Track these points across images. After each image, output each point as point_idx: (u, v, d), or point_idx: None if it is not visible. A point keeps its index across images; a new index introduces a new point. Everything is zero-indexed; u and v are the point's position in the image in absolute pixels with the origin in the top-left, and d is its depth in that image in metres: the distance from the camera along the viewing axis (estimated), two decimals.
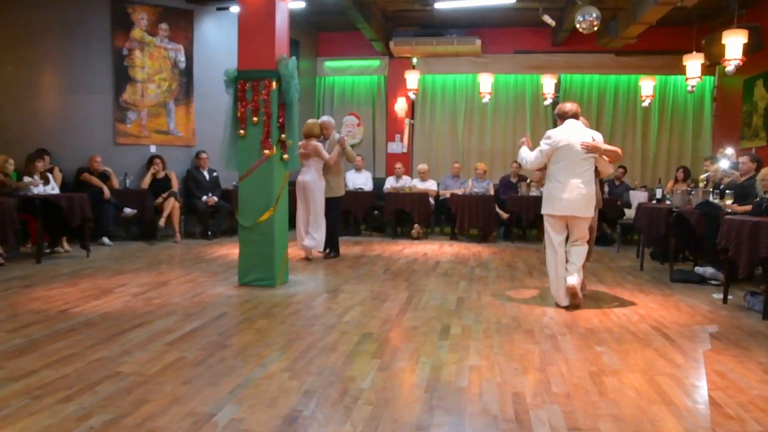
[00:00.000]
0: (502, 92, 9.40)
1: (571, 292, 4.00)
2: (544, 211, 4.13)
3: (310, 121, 6.01)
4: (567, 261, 4.09)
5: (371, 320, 3.61)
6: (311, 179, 5.77)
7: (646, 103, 8.38)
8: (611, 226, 7.75)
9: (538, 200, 7.75)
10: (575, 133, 4.05)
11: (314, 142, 5.81)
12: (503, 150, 9.51)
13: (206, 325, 3.42)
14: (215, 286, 4.59)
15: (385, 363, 2.80)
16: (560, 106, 4.25)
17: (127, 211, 6.83)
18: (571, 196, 3.98)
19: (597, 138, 4.11)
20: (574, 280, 4.00)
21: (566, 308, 4.03)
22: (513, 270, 5.70)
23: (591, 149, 4.01)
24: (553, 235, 4.11)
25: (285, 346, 3.05)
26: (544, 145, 4.11)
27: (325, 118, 6.11)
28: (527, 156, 4.28)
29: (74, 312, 3.67)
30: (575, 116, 4.15)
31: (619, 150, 4.22)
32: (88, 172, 6.85)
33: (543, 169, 4.31)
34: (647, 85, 8.26)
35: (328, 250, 6.17)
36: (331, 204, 6.02)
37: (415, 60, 9.51)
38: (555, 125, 4.30)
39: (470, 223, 7.87)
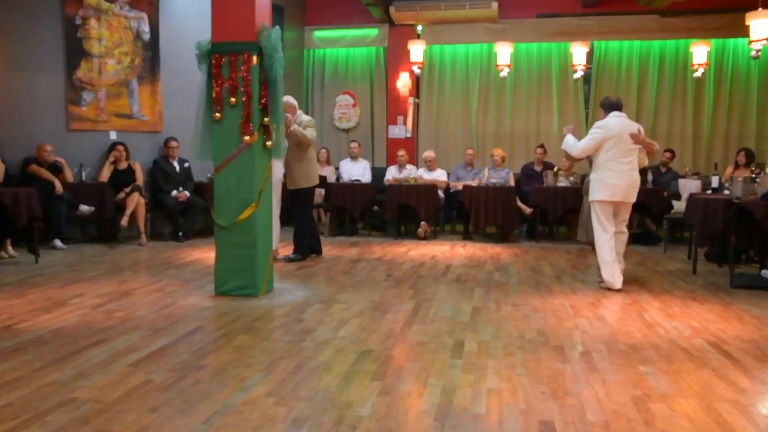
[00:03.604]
0: (523, 64, 9.36)
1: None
2: (596, 197, 4.97)
3: None
4: None
5: (371, 335, 3.61)
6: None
7: (698, 73, 8.28)
8: (656, 221, 7.70)
9: (566, 191, 7.89)
10: (624, 125, 4.97)
11: None
12: (525, 133, 9.48)
13: (177, 343, 3.42)
14: (187, 296, 4.58)
15: (388, 386, 2.80)
16: (605, 98, 5.23)
17: (83, 208, 6.82)
18: (624, 182, 4.90)
19: (641, 129, 5.02)
20: (620, 285, 4.88)
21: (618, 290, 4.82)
22: (538, 275, 5.69)
23: (638, 140, 4.91)
24: (605, 221, 4.98)
25: (270, 366, 3.05)
26: (595, 134, 4.98)
27: (285, 98, 6.10)
28: (576, 144, 5.10)
29: (20, 328, 3.66)
30: (619, 108, 5.08)
31: (657, 145, 5.29)
32: (37, 163, 6.84)
33: (573, 159, 5.30)
34: (700, 52, 8.17)
35: (299, 255, 6.21)
36: (297, 197, 6.10)
37: (419, 28, 9.47)
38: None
39: (487, 219, 7.85)
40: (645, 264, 6.33)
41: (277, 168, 5.80)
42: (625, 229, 5.14)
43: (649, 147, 5.09)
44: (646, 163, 5.33)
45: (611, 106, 5.09)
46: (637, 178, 5.00)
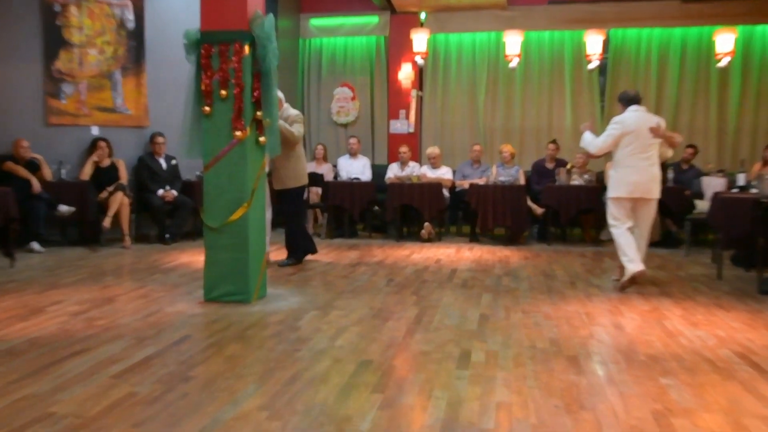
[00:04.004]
0: (534, 54, 9.38)
1: (641, 277, 5.03)
2: (614, 194, 5.17)
3: None
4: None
5: (371, 344, 3.62)
6: None
7: (723, 63, 8.30)
8: (678, 222, 7.70)
9: (580, 190, 7.90)
10: (642, 119, 5.14)
11: None
12: (536, 128, 9.48)
13: (163, 353, 3.42)
14: (174, 302, 4.59)
15: (389, 399, 2.80)
16: (623, 92, 5.40)
17: (63, 208, 6.83)
18: (642, 179, 5.08)
19: (661, 123, 5.17)
20: (642, 266, 5.05)
21: (632, 279, 5.00)
22: (550, 280, 5.69)
23: (658, 134, 5.06)
24: (623, 218, 5.16)
25: (263, 377, 3.05)
26: (613, 130, 5.18)
27: None
28: (594, 140, 5.32)
29: None
30: (638, 101, 5.24)
31: (678, 137, 5.45)
32: (13, 161, 6.85)
33: (593, 156, 5.63)
34: (725, 40, 8.18)
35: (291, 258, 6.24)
36: (286, 198, 6.12)
37: (423, 15, 9.50)
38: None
39: (495, 220, 7.86)
40: (666, 268, 6.33)
41: None
42: (646, 234, 5.25)
43: (670, 140, 5.24)
44: (670, 154, 5.50)
45: (629, 100, 5.25)
46: (657, 173, 5.15)
